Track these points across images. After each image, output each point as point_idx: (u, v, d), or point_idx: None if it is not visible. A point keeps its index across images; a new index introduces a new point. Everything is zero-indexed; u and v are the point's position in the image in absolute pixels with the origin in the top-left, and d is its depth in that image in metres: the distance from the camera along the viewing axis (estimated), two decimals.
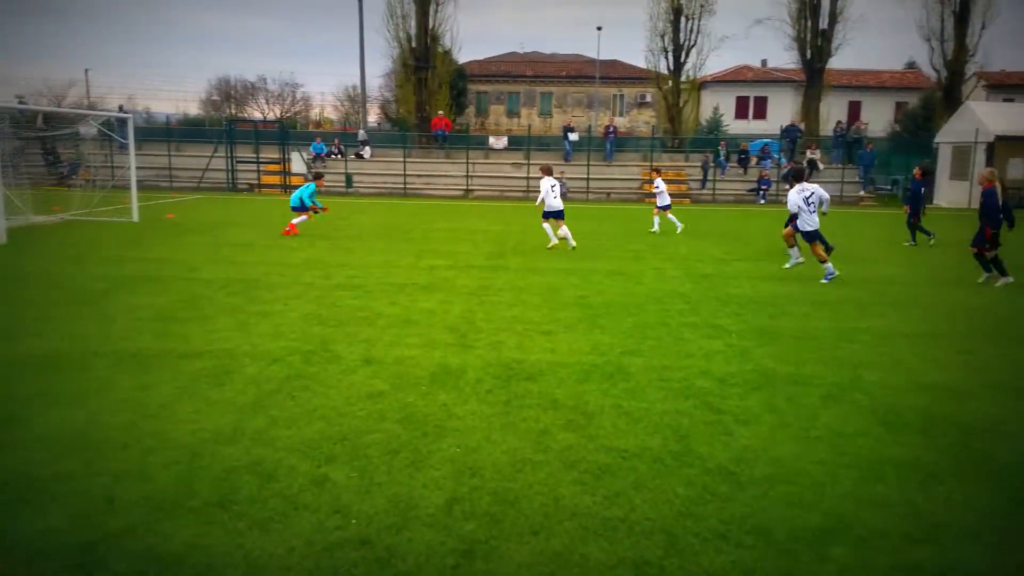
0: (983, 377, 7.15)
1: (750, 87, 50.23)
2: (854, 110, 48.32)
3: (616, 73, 51.11)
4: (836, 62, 39.84)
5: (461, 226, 20.68)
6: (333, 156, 36.42)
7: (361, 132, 38.84)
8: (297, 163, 35.02)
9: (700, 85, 43.91)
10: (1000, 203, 12.34)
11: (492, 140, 38.16)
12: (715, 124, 42.55)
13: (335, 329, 8.53)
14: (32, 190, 21.66)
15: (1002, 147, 29.41)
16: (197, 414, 5.73)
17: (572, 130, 37.30)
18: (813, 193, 12.39)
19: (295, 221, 17.66)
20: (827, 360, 7.59)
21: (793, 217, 12.85)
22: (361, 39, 39.86)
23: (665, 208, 19.60)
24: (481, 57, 53.60)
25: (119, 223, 19.45)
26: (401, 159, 35.11)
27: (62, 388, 6.29)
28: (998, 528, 4.24)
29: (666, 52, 39.60)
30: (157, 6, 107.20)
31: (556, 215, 15.80)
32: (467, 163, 34.54)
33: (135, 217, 20.21)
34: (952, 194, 31.26)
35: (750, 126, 46.55)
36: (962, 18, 36.46)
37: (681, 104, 39.79)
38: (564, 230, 15.76)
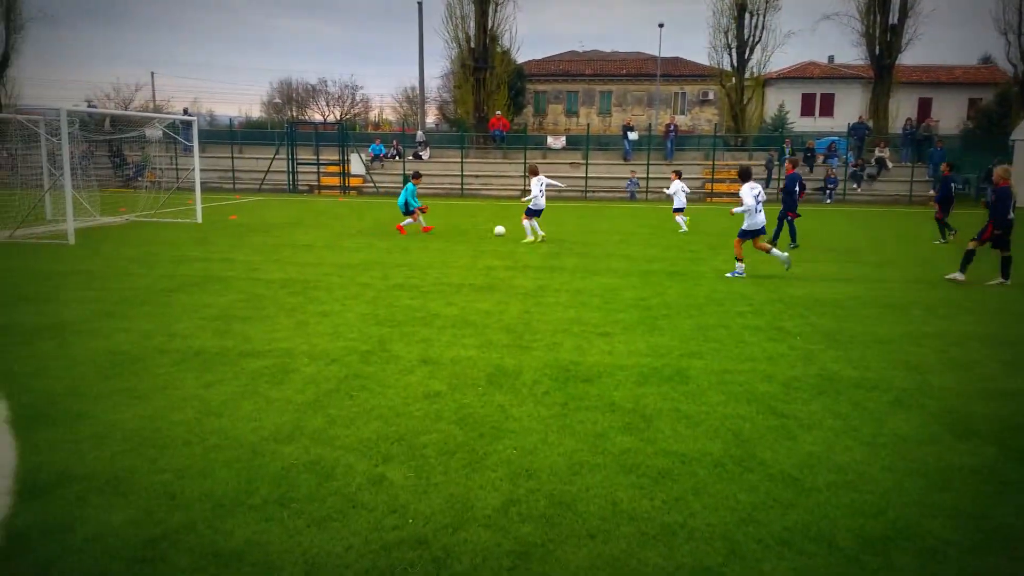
0: None
1: (816, 84, 48.97)
2: (924, 107, 46.68)
3: (678, 71, 50.36)
4: (906, 57, 38.63)
5: (518, 226, 20.63)
6: (392, 157, 36.85)
7: (419, 133, 39.18)
8: (356, 165, 35.52)
9: (764, 82, 43.00)
10: (1014, 203, 12.03)
11: (550, 140, 38.09)
12: (780, 122, 41.68)
13: (392, 329, 8.59)
14: (100, 192, 22.49)
15: None
16: (257, 412, 5.82)
17: (632, 129, 37.01)
18: (760, 192, 12.55)
19: (403, 224, 18.49)
20: (894, 364, 7.34)
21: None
22: (420, 40, 40.07)
23: (678, 210, 20.21)
24: (540, 56, 53.57)
25: (183, 224, 20.02)
26: (459, 159, 35.34)
27: (128, 385, 6.46)
28: None
29: (730, 49, 39.07)
30: (223, 9, 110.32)
31: (538, 214, 17.01)
32: (525, 163, 34.60)
33: (199, 218, 20.79)
34: None
35: (816, 124, 45.43)
36: None
37: (745, 101, 39.12)
38: (530, 224, 16.85)
